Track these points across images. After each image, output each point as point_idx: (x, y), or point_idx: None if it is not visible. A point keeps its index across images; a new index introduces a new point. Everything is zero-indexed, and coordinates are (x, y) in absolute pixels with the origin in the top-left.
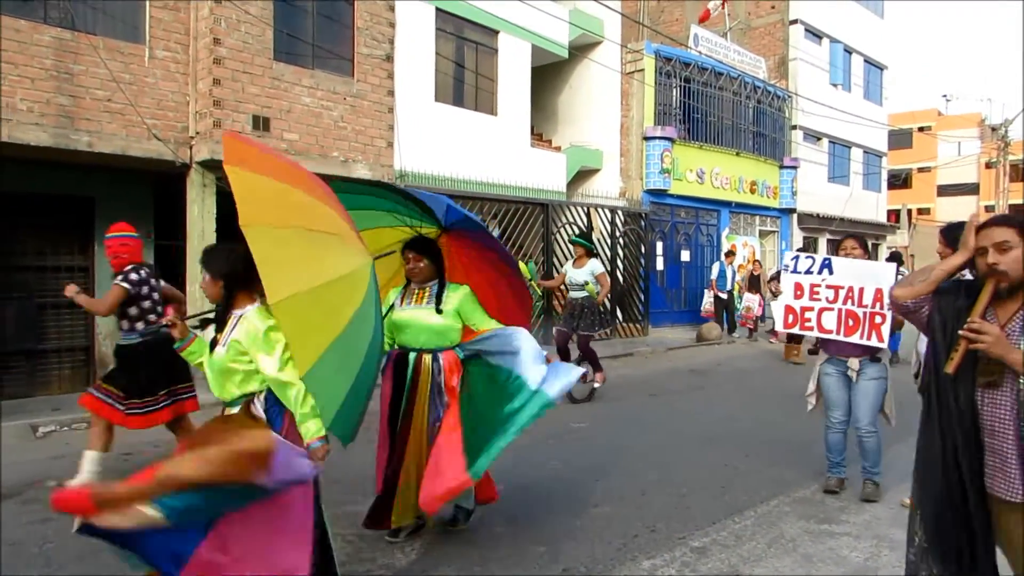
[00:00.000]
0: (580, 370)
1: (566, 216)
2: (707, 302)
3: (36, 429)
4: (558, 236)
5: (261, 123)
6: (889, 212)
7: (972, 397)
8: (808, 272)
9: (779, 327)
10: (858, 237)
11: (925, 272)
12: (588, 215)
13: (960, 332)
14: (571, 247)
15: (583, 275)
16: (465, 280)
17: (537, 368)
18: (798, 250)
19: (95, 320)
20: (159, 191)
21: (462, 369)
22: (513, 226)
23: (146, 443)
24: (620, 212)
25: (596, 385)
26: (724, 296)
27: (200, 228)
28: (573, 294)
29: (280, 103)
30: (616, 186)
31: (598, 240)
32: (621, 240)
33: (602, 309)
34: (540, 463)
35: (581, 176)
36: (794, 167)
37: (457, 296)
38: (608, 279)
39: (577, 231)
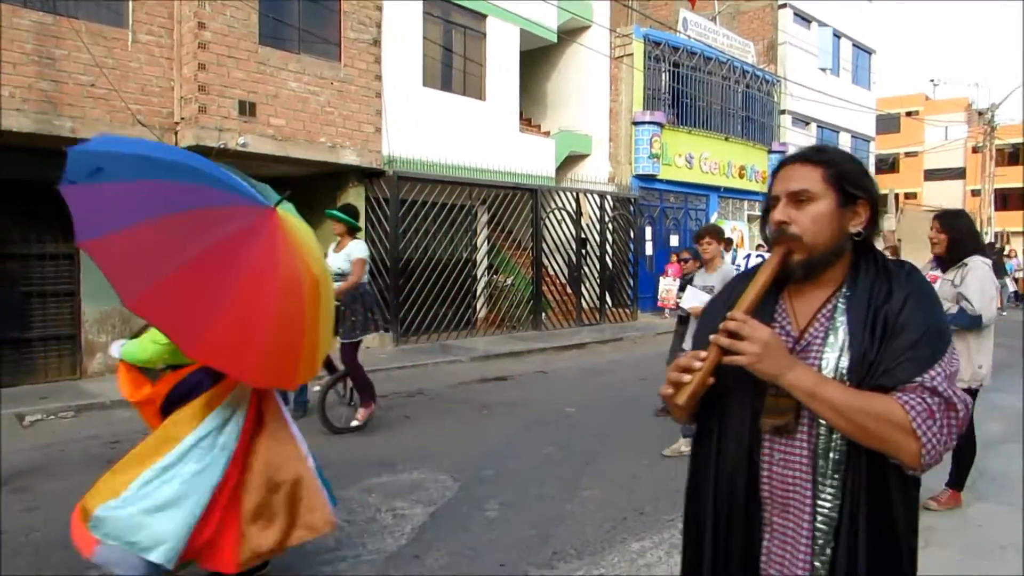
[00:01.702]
0: None
1: (555, 201)
2: (663, 290)
3: (23, 418)
4: (547, 221)
5: (247, 108)
6: None
7: (748, 448)
8: None
9: None
10: None
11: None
12: (577, 200)
13: (711, 337)
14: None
15: (340, 260)
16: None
17: None
18: (758, 246)
19: (81, 308)
20: None
21: None
22: (502, 212)
23: (134, 431)
24: (609, 197)
25: (356, 423)
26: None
27: None
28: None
29: (266, 88)
30: (605, 171)
31: (587, 225)
32: (610, 225)
33: (363, 306)
34: (531, 447)
35: (570, 161)
36: (783, 152)
37: None
38: (364, 267)
39: (567, 216)
